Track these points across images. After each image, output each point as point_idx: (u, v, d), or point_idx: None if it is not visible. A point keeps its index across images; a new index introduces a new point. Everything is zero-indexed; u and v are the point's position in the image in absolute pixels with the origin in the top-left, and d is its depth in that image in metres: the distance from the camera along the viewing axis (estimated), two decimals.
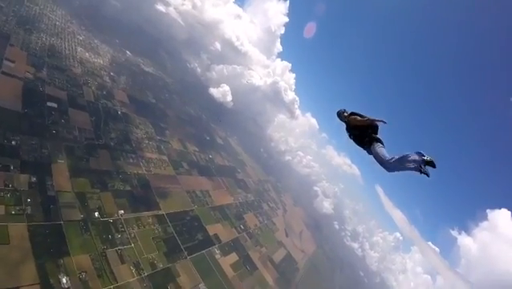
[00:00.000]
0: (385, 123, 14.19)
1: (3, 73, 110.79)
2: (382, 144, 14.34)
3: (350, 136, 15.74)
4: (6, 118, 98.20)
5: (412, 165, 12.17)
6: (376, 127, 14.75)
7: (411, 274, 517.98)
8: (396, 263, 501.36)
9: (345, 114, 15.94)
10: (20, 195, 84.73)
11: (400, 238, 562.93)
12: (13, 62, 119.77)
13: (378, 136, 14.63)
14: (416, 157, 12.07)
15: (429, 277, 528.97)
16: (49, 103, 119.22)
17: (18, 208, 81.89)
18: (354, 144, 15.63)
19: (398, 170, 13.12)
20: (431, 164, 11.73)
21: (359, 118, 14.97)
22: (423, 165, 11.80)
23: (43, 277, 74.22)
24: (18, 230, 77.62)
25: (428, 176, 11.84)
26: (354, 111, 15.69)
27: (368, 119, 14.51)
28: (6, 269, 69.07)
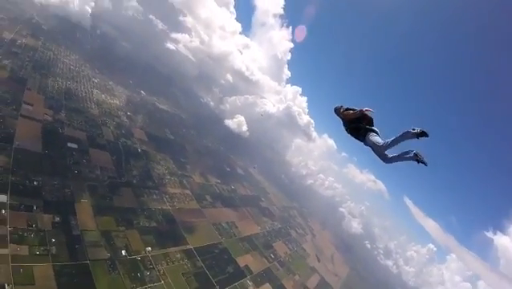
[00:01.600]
0: (373, 112, 14.71)
1: (22, 116, 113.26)
2: (377, 133, 14.60)
3: (347, 130, 16.06)
4: (28, 159, 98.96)
5: (407, 155, 12.45)
6: (371, 119, 15.15)
7: (449, 283, 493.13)
8: (433, 275, 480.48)
9: (341, 110, 16.36)
10: (44, 235, 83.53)
11: (434, 249, 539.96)
12: (31, 105, 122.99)
13: (374, 127, 14.89)
14: (408, 133, 12.18)
15: (469, 284, 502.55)
16: (69, 144, 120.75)
17: (42, 248, 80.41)
18: (354, 139, 15.85)
19: (395, 161, 13.28)
20: (423, 134, 11.79)
21: (351, 112, 15.51)
22: (413, 133, 11.93)
23: None
24: (43, 271, 75.69)
25: (425, 164, 11.92)
26: (349, 106, 16.13)
27: (359, 111, 14.98)
28: None
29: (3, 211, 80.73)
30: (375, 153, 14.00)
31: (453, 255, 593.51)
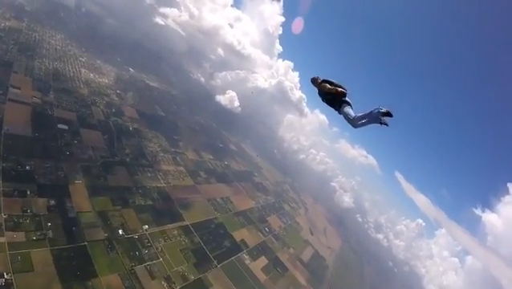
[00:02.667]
0: (346, 92, 16.17)
1: (10, 100, 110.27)
2: (350, 105, 15.75)
3: (322, 99, 17.16)
4: (18, 143, 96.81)
5: (370, 118, 13.48)
6: (345, 93, 16.26)
7: (438, 258, 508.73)
8: (422, 250, 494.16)
9: (318, 81, 17.51)
10: (40, 220, 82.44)
11: (423, 224, 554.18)
12: (18, 88, 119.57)
13: (347, 99, 16.06)
14: (375, 111, 13.22)
15: (457, 260, 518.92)
16: (59, 126, 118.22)
17: (38, 233, 79.42)
18: (327, 106, 16.96)
19: (362, 125, 14.40)
20: (388, 114, 12.84)
21: (328, 86, 16.61)
22: (381, 116, 12.91)
23: None
24: (41, 256, 75.07)
25: (386, 125, 13.06)
26: (326, 78, 17.44)
27: (334, 88, 16.30)
28: None
29: None
30: (346, 120, 15.22)
31: (442, 231, 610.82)
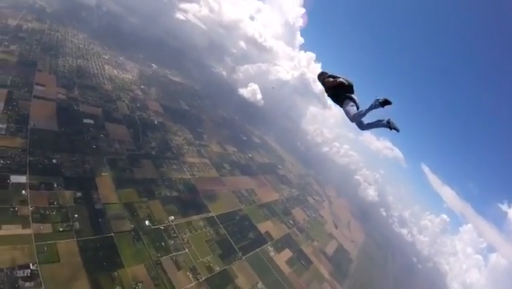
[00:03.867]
0: (347, 84, 15.23)
1: (35, 97, 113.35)
2: (354, 101, 14.85)
3: (328, 95, 16.34)
4: (44, 138, 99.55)
5: (380, 122, 13.07)
6: (351, 86, 15.36)
7: (462, 255, 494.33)
8: (446, 246, 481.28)
9: (323, 77, 16.75)
10: (66, 211, 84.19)
11: (447, 219, 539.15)
12: (43, 86, 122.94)
13: (353, 95, 15.16)
14: (371, 103, 12.89)
15: (481, 257, 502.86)
16: (85, 120, 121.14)
17: (65, 224, 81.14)
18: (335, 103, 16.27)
19: (369, 128, 14.01)
20: (386, 102, 12.49)
21: (331, 79, 15.91)
22: (380, 105, 12.63)
23: None
24: (68, 247, 76.57)
25: (397, 131, 12.63)
26: (332, 73, 16.50)
27: (334, 80, 15.60)
28: (60, 287, 67.64)
29: (23, 192, 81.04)
30: (349, 120, 14.56)
31: (466, 227, 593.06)
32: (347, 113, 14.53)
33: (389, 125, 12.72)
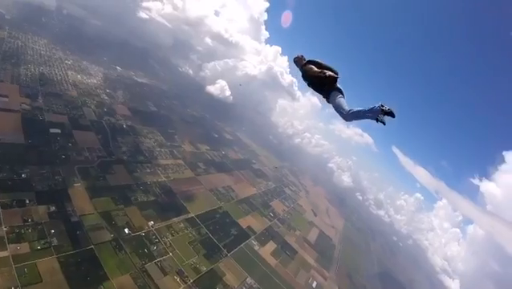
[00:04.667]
0: (337, 76, 13.97)
1: None
2: (342, 94, 13.75)
3: (308, 84, 15.01)
4: (11, 152, 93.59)
5: (369, 114, 11.88)
6: (335, 78, 14.05)
7: (439, 230, 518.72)
8: (423, 223, 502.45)
9: (302, 61, 15.48)
10: (42, 228, 79.37)
11: (421, 197, 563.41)
12: (6, 96, 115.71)
13: (338, 85, 13.95)
14: (376, 107, 11.66)
15: (458, 230, 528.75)
16: (52, 130, 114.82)
17: (42, 242, 76.45)
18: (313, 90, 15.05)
19: (356, 119, 12.91)
20: (390, 114, 11.40)
21: (314, 69, 14.63)
22: (381, 115, 11.41)
23: None
24: (48, 265, 72.20)
25: (384, 124, 11.56)
26: (312, 59, 15.27)
27: (323, 72, 14.16)
28: None
29: None
30: (337, 113, 13.45)
31: (440, 203, 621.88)
32: (337, 106, 13.25)
33: (377, 118, 11.55)
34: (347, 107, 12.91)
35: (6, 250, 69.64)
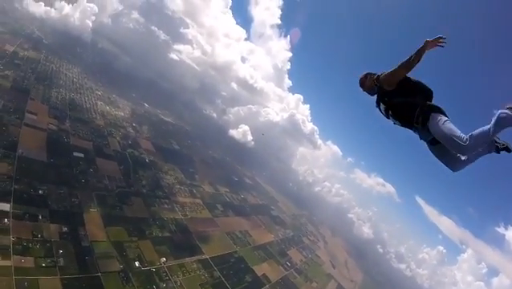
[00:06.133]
0: (444, 43, 7.95)
1: (26, 125, 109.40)
2: (445, 114, 8.22)
3: (388, 113, 9.25)
4: (32, 167, 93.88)
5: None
6: (430, 91, 8.79)
7: (462, 284, 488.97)
8: (446, 277, 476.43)
9: (372, 76, 9.55)
10: (51, 246, 77.16)
11: (444, 251, 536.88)
12: (35, 114, 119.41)
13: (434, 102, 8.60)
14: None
15: (482, 283, 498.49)
16: (75, 153, 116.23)
17: (48, 260, 73.74)
18: (398, 125, 9.45)
19: (469, 163, 8.39)
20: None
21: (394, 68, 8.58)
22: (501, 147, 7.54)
23: None
24: (50, 284, 68.98)
25: (509, 150, 7.59)
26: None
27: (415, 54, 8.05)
28: None
29: (6, 220, 74.52)
30: (443, 155, 8.64)
31: (464, 256, 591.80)
32: (446, 135, 7.68)
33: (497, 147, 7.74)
34: (462, 134, 7.51)
35: (10, 259, 67.47)
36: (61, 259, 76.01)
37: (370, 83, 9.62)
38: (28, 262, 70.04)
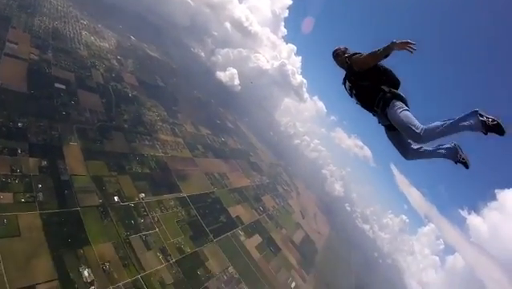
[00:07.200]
0: (413, 49, 7.81)
1: (6, 54, 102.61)
2: (406, 104, 8.71)
3: (352, 92, 9.80)
4: (12, 100, 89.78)
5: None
6: (396, 79, 9.26)
7: (419, 255, 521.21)
8: (405, 245, 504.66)
9: (346, 54, 9.95)
10: (30, 181, 75.47)
11: (407, 220, 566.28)
12: (16, 43, 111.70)
13: (399, 91, 9.04)
14: (471, 121, 7.45)
15: (437, 258, 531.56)
16: (57, 84, 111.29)
17: (28, 195, 72.56)
18: (360, 107, 9.93)
19: (424, 156, 8.91)
20: (497, 129, 7.07)
21: (366, 56, 8.84)
22: (483, 129, 7.19)
23: (62, 271, 65.11)
24: (30, 220, 68.43)
25: (467, 166, 8.05)
26: (358, 51, 9.58)
27: (383, 48, 8.19)
28: (19, 264, 59.88)
29: None
30: (397, 142, 9.20)
31: (425, 229, 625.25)
32: (404, 124, 8.13)
33: (457, 158, 8.16)
34: (419, 124, 7.98)
35: None
36: (40, 194, 75.05)
37: (342, 60, 10.08)
38: (7, 197, 68.78)
